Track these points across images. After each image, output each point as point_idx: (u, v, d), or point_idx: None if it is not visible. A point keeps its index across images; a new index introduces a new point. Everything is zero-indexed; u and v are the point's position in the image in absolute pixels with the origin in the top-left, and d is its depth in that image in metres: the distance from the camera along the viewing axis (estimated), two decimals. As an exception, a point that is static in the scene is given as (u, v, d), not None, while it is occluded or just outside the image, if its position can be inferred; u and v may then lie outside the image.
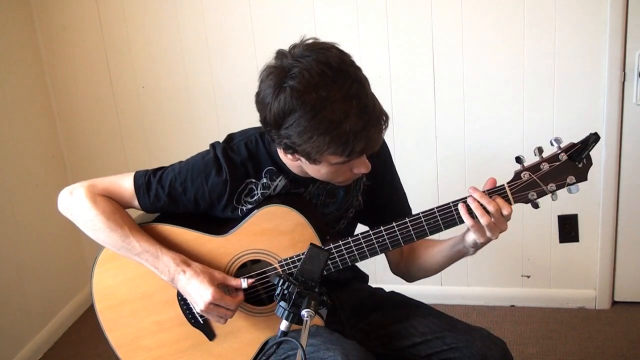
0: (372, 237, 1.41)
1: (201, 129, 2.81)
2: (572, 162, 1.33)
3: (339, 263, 1.44)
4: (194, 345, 1.55)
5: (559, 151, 1.33)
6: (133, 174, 1.53)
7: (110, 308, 1.57)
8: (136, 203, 1.52)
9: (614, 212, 2.61)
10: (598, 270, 2.70)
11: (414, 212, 1.42)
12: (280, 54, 1.29)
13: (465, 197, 1.36)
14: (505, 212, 1.33)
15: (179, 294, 1.53)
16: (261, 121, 1.34)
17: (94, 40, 2.79)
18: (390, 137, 2.57)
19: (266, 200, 1.49)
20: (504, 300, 2.83)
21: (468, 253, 1.45)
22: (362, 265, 1.59)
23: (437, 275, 2.33)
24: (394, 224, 1.39)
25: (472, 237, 1.38)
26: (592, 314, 2.71)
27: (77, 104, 2.91)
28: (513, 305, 2.82)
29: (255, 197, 1.50)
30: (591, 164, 1.34)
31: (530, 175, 1.35)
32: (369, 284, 1.76)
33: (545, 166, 1.34)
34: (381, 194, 1.58)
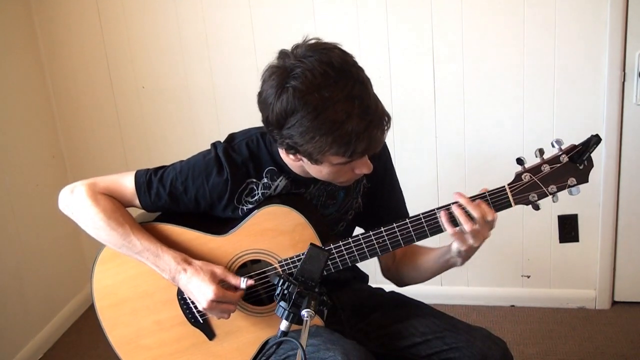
0: (372, 237, 1.41)
1: (201, 129, 2.81)
2: (573, 164, 1.33)
3: (339, 263, 1.44)
4: (194, 344, 1.55)
5: (560, 153, 1.33)
6: (134, 172, 1.53)
7: (110, 307, 1.57)
8: (137, 202, 1.52)
9: (614, 212, 2.61)
10: (598, 270, 2.70)
11: (414, 213, 1.42)
12: (282, 54, 1.29)
13: (449, 204, 1.36)
14: (489, 218, 1.33)
15: (179, 294, 1.53)
16: (263, 121, 1.34)
17: (94, 40, 2.78)
18: (390, 137, 2.57)
19: (267, 200, 1.49)
20: (504, 300, 2.83)
21: (456, 263, 1.45)
22: (362, 265, 1.59)
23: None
24: (394, 224, 1.39)
25: (455, 245, 1.38)
26: (592, 314, 2.71)
27: (77, 104, 2.91)
28: (513, 305, 2.82)
29: (256, 197, 1.50)
30: (592, 165, 1.34)
31: (531, 176, 1.35)
32: (369, 284, 1.76)
33: (546, 168, 1.34)
34: (380, 196, 1.58)
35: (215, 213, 1.53)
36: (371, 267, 1.75)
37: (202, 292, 1.42)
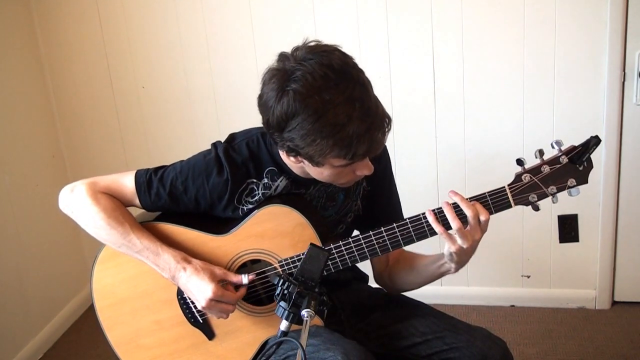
0: (373, 237, 1.41)
1: (201, 129, 2.81)
2: (573, 165, 1.33)
3: (339, 263, 1.44)
4: (194, 344, 1.55)
5: (560, 154, 1.33)
6: (134, 172, 1.53)
7: (110, 307, 1.57)
8: (137, 201, 1.52)
9: (614, 212, 2.61)
10: (598, 270, 2.70)
11: (414, 213, 1.41)
12: (282, 56, 1.29)
13: (440, 207, 1.36)
14: (482, 218, 1.32)
15: (178, 293, 1.53)
16: (264, 124, 1.34)
17: (94, 40, 2.79)
18: (391, 137, 2.55)
19: (267, 200, 1.49)
20: (504, 300, 2.83)
21: (450, 270, 1.44)
22: (362, 265, 1.59)
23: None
24: (394, 224, 1.39)
25: (446, 247, 1.37)
26: (592, 314, 2.71)
27: (77, 104, 2.91)
28: (513, 305, 2.82)
29: (256, 197, 1.50)
30: (592, 166, 1.34)
31: (531, 177, 1.35)
32: (369, 284, 1.76)
33: (546, 169, 1.34)
34: (379, 200, 1.58)
35: (215, 213, 1.53)
36: (371, 268, 1.74)
37: (201, 291, 1.42)
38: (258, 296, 1.54)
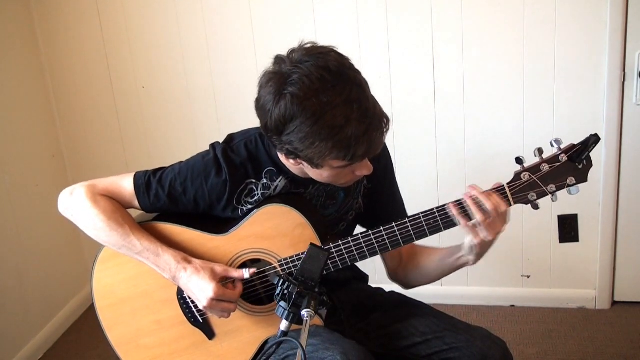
0: (372, 237, 1.41)
1: (201, 129, 2.81)
2: (572, 164, 1.33)
3: (339, 263, 1.44)
4: (194, 344, 1.55)
5: (559, 152, 1.33)
6: (133, 174, 1.53)
7: (110, 307, 1.57)
8: (136, 203, 1.52)
9: (614, 212, 2.61)
10: (598, 270, 2.70)
11: (414, 212, 1.42)
12: (278, 59, 1.29)
13: (460, 199, 1.35)
14: (502, 209, 1.32)
15: (178, 293, 1.53)
16: (262, 127, 1.34)
17: (94, 40, 2.79)
18: (391, 137, 2.57)
19: (266, 200, 1.49)
20: (504, 300, 2.83)
21: (469, 262, 1.44)
22: (362, 265, 1.59)
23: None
24: (393, 224, 1.39)
25: (467, 240, 1.38)
26: (592, 314, 2.71)
27: (77, 104, 2.91)
28: (513, 305, 2.82)
29: (256, 198, 1.50)
30: (591, 165, 1.34)
31: (530, 176, 1.35)
32: (369, 284, 1.76)
33: (545, 167, 1.34)
34: (380, 196, 1.58)
35: (215, 213, 1.53)
36: (371, 267, 1.75)
37: (202, 291, 1.42)
38: (258, 296, 1.54)
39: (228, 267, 1.47)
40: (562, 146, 1.33)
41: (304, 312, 1.19)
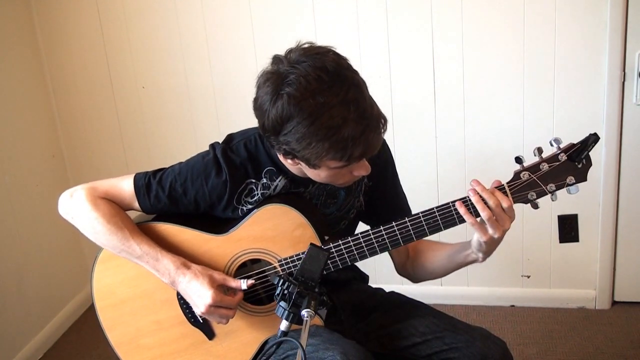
0: (372, 236, 1.41)
1: (201, 129, 2.81)
2: (572, 163, 1.33)
3: (339, 263, 1.44)
4: (194, 344, 1.55)
5: (559, 151, 1.33)
6: (133, 176, 1.53)
7: (110, 307, 1.57)
8: (137, 205, 1.52)
9: (614, 212, 2.61)
10: (598, 270, 2.70)
11: (413, 212, 1.42)
12: (276, 59, 1.29)
13: (465, 197, 1.35)
14: (505, 205, 1.32)
15: (178, 293, 1.53)
16: (260, 127, 1.34)
17: (94, 40, 2.79)
18: (391, 137, 2.58)
19: (266, 200, 1.49)
20: (504, 300, 2.83)
21: (478, 259, 1.44)
22: (362, 265, 1.59)
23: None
24: (393, 223, 1.39)
25: (475, 237, 1.38)
26: (592, 314, 2.71)
27: (77, 104, 2.91)
28: (513, 305, 2.82)
29: (256, 197, 1.50)
30: (591, 164, 1.34)
31: (529, 175, 1.35)
32: (369, 284, 1.76)
33: (544, 166, 1.34)
34: (382, 193, 1.58)
35: (215, 214, 1.53)
36: (371, 267, 1.75)
37: (200, 297, 1.42)
38: (258, 296, 1.54)
39: (227, 276, 1.47)
40: (562, 145, 1.33)
41: (304, 312, 1.19)
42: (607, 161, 2.52)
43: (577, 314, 2.71)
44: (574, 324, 2.65)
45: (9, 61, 2.68)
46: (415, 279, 1.65)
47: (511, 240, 2.68)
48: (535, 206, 1.37)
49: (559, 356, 2.46)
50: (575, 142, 1.33)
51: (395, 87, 2.61)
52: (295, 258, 1.46)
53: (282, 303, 1.22)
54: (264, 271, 1.50)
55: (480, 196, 1.32)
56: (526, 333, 2.62)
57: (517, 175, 1.35)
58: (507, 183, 1.36)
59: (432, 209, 1.38)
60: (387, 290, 1.70)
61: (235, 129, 1.57)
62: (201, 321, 1.54)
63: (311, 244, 1.25)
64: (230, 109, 2.75)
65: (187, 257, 1.49)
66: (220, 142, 1.52)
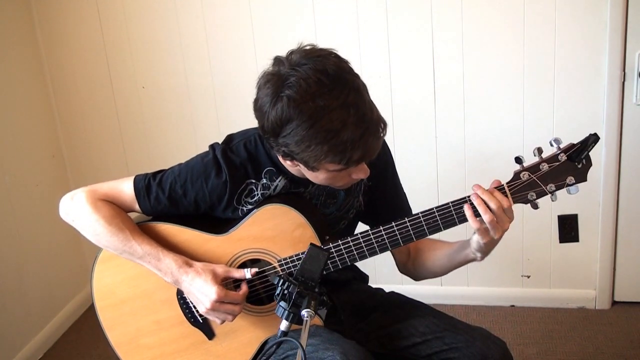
0: (372, 237, 1.41)
1: (201, 129, 2.81)
2: (572, 163, 1.33)
3: (339, 263, 1.44)
4: (193, 344, 1.55)
5: (559, 152, 1.33)
6: (133, 177, 1.53)
7: (110, 307, 1.57)
8: (137, 207, 1.52)
9: (614, 212, 2.61)
10: (598, 270, 2.70)
11: (413, 212, 1.42)
12: (277, 60, 1.29)
13: (464, 198, 1.35)
14: (505, 206, 1.32)
15: (178, 293, 1.53)
16: (260, 128, 1.34)
17: (94, 40, 2.79)
18: (391, 137, 2.57)
19: (266, 200, 1.49)
20: (504, 300, 2.83)
21: (476, 258, 1.44)
22: (362, 265, 1.59)
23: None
24: (393, 224, 1.39)
25: (474, 238, 1.38)
26: (592, 314, 2.71)
27: (77, 104, 2.91)
28: (513, 305, 2.82)
29: (256, 198, 1.50)
30: (591, 164, 1.34)
31: (529, 175, 1.35)
32: (369, 284, 1.76)
33: (544, 166, 1.34)
34: (382, 193, 1.58)
35: (215, 214, 1.53)
36: (371, 267, 1.75)
37: (204, 293, 1.42)
38: (258, 296, 1.54)
39: (229, 267, 1.47)
40: (562, 145, 1.33)
41: (304, 312, 1.19)
42: (607, 161, 2.52)
43: (577, 314, 2.71)
44: (574, 324, 2.65)
45: (9, 61, 2.68)
46: (416, 277, 1.65)
47: (511, 240, 2.69)
48: (535, 206, 1.37)
49: (559, 356, 2.46)
50: (575, 142, 1.33)
51: (395, 87, 2.61)
52: (295, 258, 1.46)
53: (282, 303, 1.22)
54: (264, 271, 1.50)
55: (482, 199, 1.32)
56: (526, 333, 2.62)
57: (517, 175, 1.35)
58: (507, 183, 1.36)
59: (432, 209, 1.38)
60: (387, 290, 1.70)
61: (235, 129, 1.57)
62: (201, 321, 1.54)
63: (311, 244, 1.25)
64: (230, 109, 2.75)
65: (187, 256, 1.49)
66: (220, 142, 1.52)
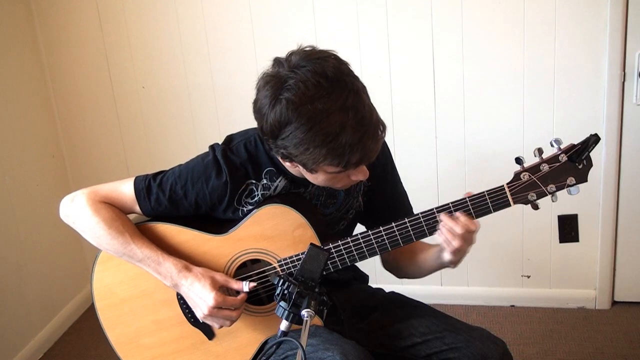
0: (372, 237, 1.41)
1: (201, 129, 2.81)
2: (572, 163, 1.33)
3: (339, 263, 1.44)
4: (193, 344, 1.55)
5: (559, 152, 1.33)
6: (133, 179, 1.53)
7: (110, 306, 1.57)
8: (137, 208, 1.52)
9: (614, 212, 2.61)
10: (598, 270, 2.70)
11: (413, 212, 1.42)
12: (277, 62, 1.29)
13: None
14: (472, 228, 1.34)
15: (178, 293, 1.53)
16: (259, 130, 1.34)
17: (94, 40, 2.79)
18: (391, 137, 2.57)
19: (266, 200, 1.49)
20: (504, 300, 2.83)
21: (449, 265, 1.46)
22: (362, 265, 1.59)
23: (437, 275, 2.34)
24: (393, 224, 1.40)
25: (447, 257, 1.40)
26: (592, 314, 2.71)
27: (77, 104, 2.91)
28: (513, 305, 2.82)
29: (256, 198, 1.50)
30: (591, 165, 1.34)
31: (530, 176, 1.35)
32: (369, 284, 1.76)
33: (545, 167, 1.34)
34: (382, 194, 1.58)
35: (215, 215, 1.53)
36: (371, 267, 1.75)
37: (202, 299, 1.42)
38: (258, 296, 1.54)
39: (229, 278, 1.47)
40: (562, 146, 1.33)
41: (304, 312, 1.19)
42: (607, 161, 2.52)
43: (577, 314, 2.71)
44: (574, 324, 2.65)
45: (9, 61, 2.68)
46: (398, 274, 1.67)
47: (511, 240, 2.70)
48: (536, 207, 1.37)
49: (559, 356, 2.46)
50: (575, 142, 1.33)
51: (395, 87, 2.61)
52: (295, 258, 1.46)
53: (282, 303, 1.22)
54: (264, 271, 1.50)
55: (450, 229, 1.35)
56: (526, 333, 2.62)
57: (517, 176, 1.35)
58: (508, 184, 1.36)
59: (432, 209, 1.38)
60: (387, 290, 1.70)
61: (235, 129, 1.57)
62: (201, 321, 1.54)
63: (311, 244, 1.25)
64: (230, 109, 2.75)
65: (187, 257, 1.49)
66: (220, 143, 1.52)
